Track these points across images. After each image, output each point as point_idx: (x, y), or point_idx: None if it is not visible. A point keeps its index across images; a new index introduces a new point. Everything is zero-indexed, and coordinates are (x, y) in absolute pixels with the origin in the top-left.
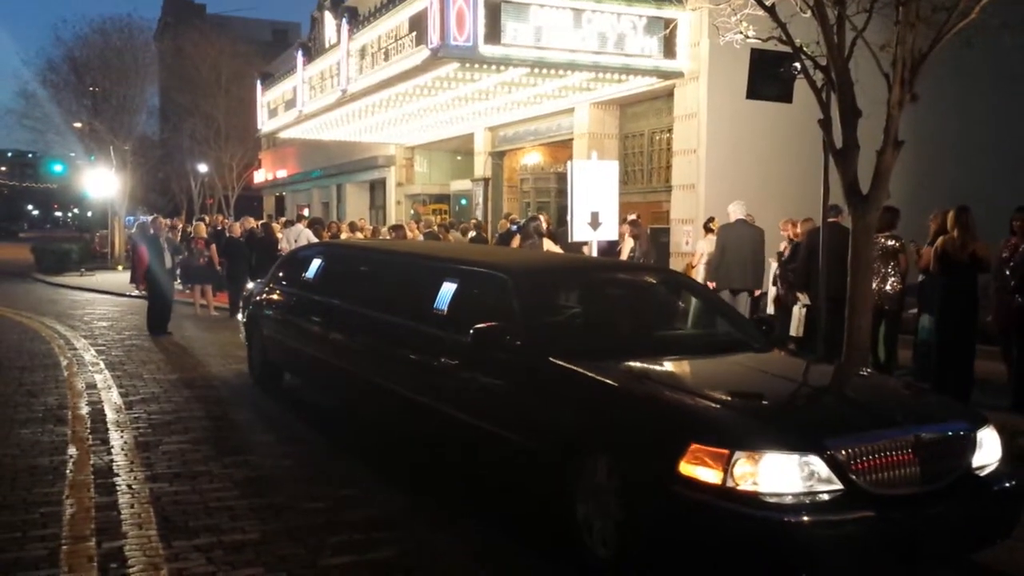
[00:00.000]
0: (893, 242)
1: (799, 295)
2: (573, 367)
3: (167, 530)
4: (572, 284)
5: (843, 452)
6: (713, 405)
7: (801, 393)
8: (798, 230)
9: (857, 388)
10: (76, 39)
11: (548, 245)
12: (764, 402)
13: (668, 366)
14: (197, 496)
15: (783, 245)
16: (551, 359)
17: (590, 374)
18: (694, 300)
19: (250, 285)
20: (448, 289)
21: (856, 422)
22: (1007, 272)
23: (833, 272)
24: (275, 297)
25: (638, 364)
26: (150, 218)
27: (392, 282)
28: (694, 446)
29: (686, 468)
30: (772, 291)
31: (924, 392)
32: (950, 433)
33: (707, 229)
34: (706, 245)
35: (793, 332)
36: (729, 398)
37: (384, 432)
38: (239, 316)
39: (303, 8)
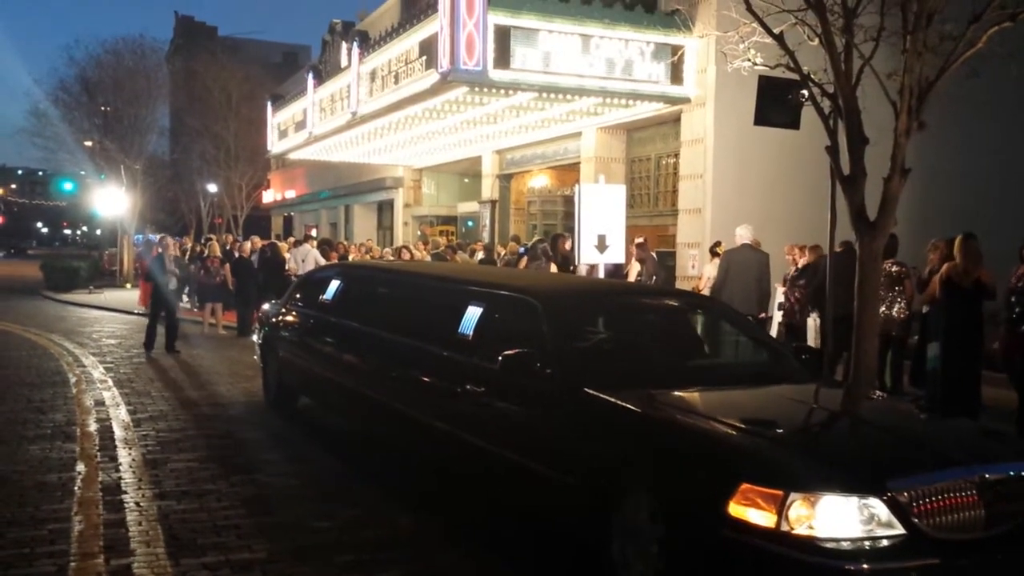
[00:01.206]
0: (898, 268)
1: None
2: (610, 398)
3: (175, 548)
4: (604, 309)
5: (905, 494)
6: (764, 442)
7: (856, 429)
8: (805, 256)
9: (916, 424)
10: (89, 59)
11: (554, 268)
12: (819, 439)
13: (711, 397)
14: (205, 514)
15: (790, 271)
16: (586, 389)
17: (629, 406)
18: (731, 327)
19: (265, 306)
20: (473, 313)
21: (918, 462)
22: (1012, 300)
23: (841, 292)
24: (292, 319)
25: (679, 395)
26: (158, 237)
27: (414, 304)
28: (744, 486)
29: (736, 510)
30: (777, 316)
31: (987, 429)
32: (1016, 473)
33: (713, 253)
34: (712, 269)
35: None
36: (781, 434)
37: (395, 454)
38: (254, 337)
39: (314, 31)
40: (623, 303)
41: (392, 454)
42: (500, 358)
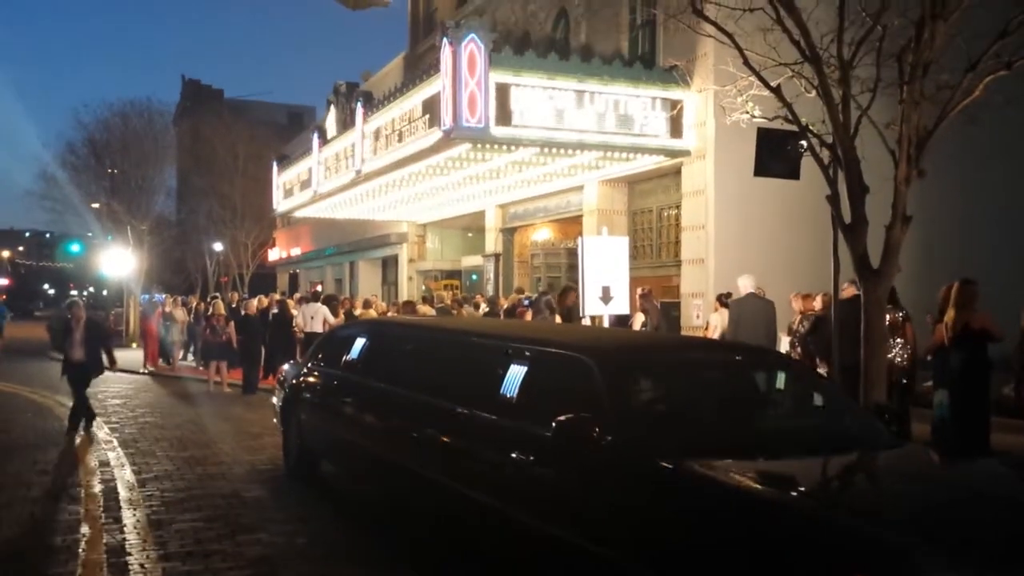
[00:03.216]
0: (898, 314)
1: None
2: (687, 472)
3: None
4: (665, 367)
5: None
6: (874, 522)
7: (976, 504)
8: (815, 304)
9: None
10: (96, 123)
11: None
12: (937, 518)
13: (804, 469)
14: (210, 575)
15: (795, 319)
16: (657, 461)
17: (710, 482)
18: (802, 385)
19: (285, 367)
20: (516, 372)
21: None
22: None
23: (846, 343)
24: (314, 379)
25: (768, 467)
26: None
27: (449, 364)
28: None
29: None
30: None
31: None
32: None
33: (721, 302)
34: (718, 318)
35: None
36: (890, 513)
37: (399, 510)
38: (273, 399)
39: (318, 92)
40: (686, 361)
41: (392, 506)
42: (554, 424)
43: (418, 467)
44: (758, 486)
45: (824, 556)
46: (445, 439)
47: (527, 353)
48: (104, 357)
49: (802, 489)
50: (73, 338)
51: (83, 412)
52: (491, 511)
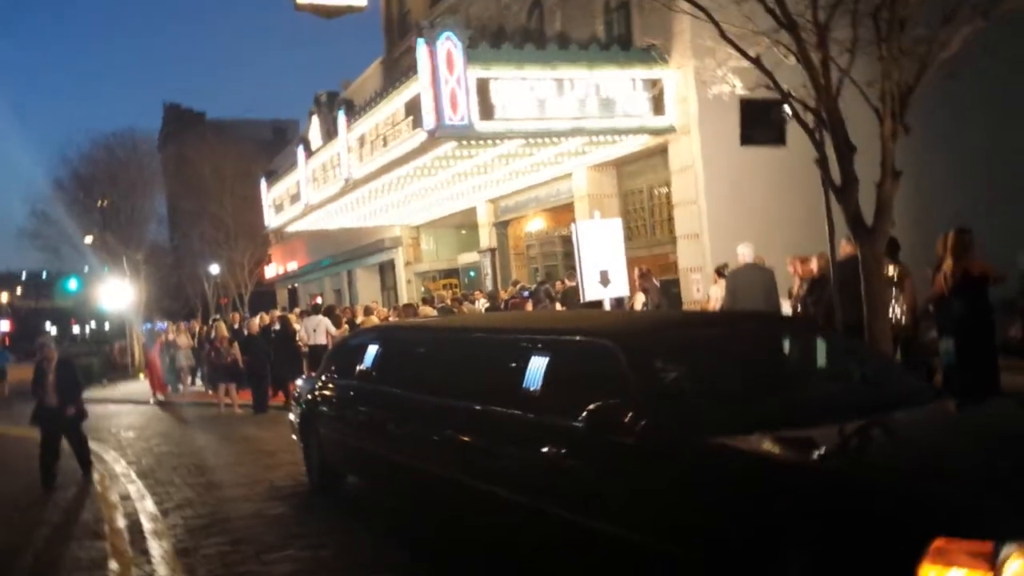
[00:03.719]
0: (896, 269)
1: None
2: (728, 446)
3: None
4: (690, 344)
5: None
6: (944, 483)
7: None
8: (812, 266)
9: None
10: (81, 157)
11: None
12: (1005, 470)
13: (856, 433)
14: None
15: (795, 284)
16: (697, 440)
17: (758, 455)
18: (832, 348)
19: (299, 382)
20: (538, 365)
21: None
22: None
23: (849, 303)
24: (329, 392)
25: (818, 434)
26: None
27: (466, 363)
28: (940, 542)
29: (930, 572)
30: None
31: None
32: None
33: (719, 274)
34: (718, 290)
35: None
36: (964, 469)
37: (426, 516)
38: (290, 416)
39: (300, 104)
40: (711, 335)
41: (411, 512)
42: (584, 414)
43: (443, 471)
44: (814, 457)
45: (897, 526)
46: (469, 440)
47: (548, 344)
48: (76, 406)
49: (859, 455)
50: (47, 381)
51: (86, 450)
52: (525, 509)
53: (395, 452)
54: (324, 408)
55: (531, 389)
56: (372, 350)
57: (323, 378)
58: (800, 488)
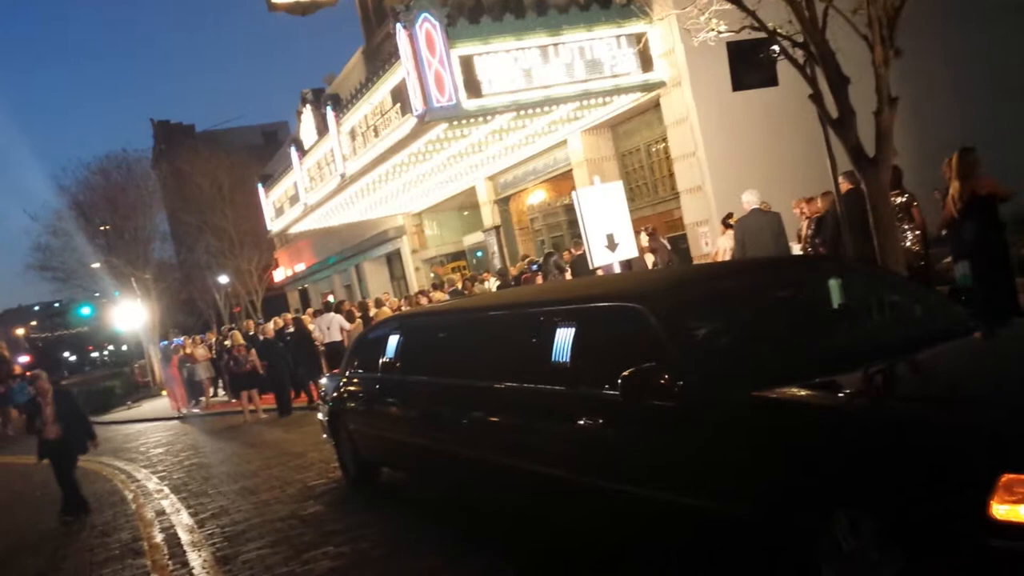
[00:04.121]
0: (902, 198)
1: None
2: (776, 397)
3: None
4: (719, 297)
5: None
6: (1013, 415)
7: None
8: (818, 205)
9: None
10: (78, 184)
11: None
12: None
13: (907, 372)
14: None
15: (803, 225)
16: (735, 394)
17: (808, 403)
18: (869, 284)
19: (323, 380)
20: (565, 336)
21: None
22: None
23: (858, 237)
24: (356, 387)
25: (870, 377)
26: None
27: (491, 342)
28: (1007, 477)
29: (1000, 510)
30: None
31: None
32: None
33: (726, 225)
34: (727, 241)
35: None
36: (1016, 400)
37: (466, 500)
38: (319, 415)
39: (287, 105)
40: (738, 285)
41: (454, 499)
42: (619, 381)
43: (475, 452)
44: (869, 399)
45: (964, 463)
46: (500, 419)
47: (574, 313)
48: (87, 432)
49: (914, 393)
50: (44, 415)
51: (76, 497)
52: (565, 483)
53: (427, 438)
54: (352, 403)
55: (560, 361)
56: (394, 340)
57: (347, 374)
58: (859, 432)
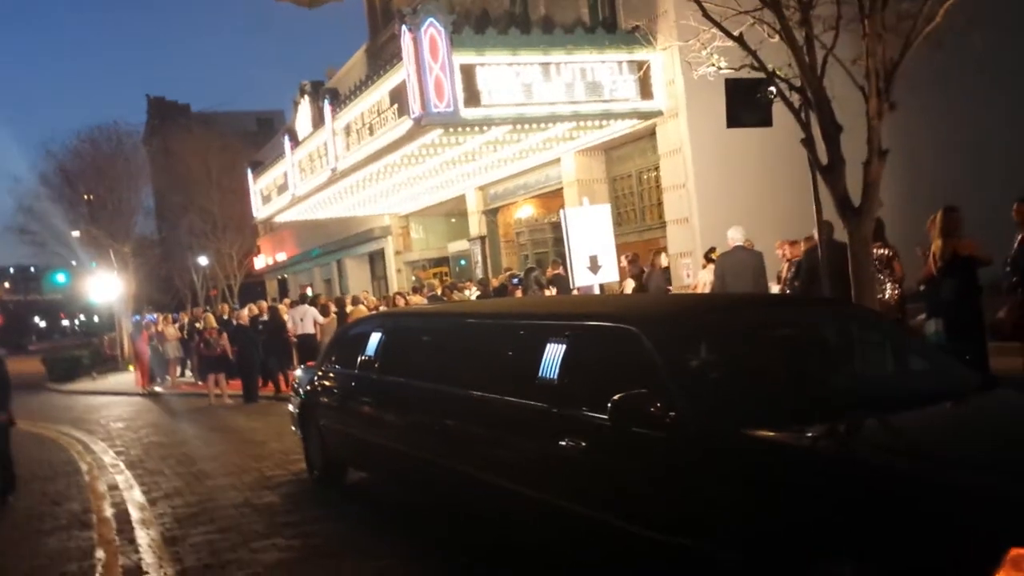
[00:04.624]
0: (886, 251)
1: None
2: (769, 438)
3: None
4: (720, 329)
5: None
6: (1016, 482)
7: None
8: (800, 249)
9: None
10: (66, 151)
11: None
12: None
13: (910, 428)
14: None
15: (783, 267)
16: (727, 431)
17: (803, 448)
18: (873, 331)
19: (298, 372)
20: (554, 352)
21: None
22: (1007, 269)
23: (837, 285)
24: (331, 383)
25: (863, 426)
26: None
27: (479, 351)
28: (1016, 552)
29: None
30: None
31: None
32: None
33: (708, 259)
34: (707, 275)
35: None
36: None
37: (436, 510)
38: (289, 407)
39: (284, 94)
40: (740, 319)
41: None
42: (609, 404)
43: (452, 462)
44: (870, 452)
45: (968, 534)
46: (481, 431)
47: (567, 330)
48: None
49: (919, 451)
50: None
51: (7, 473)
52: (539, 504)
53: (402, 443)
54: (325, 399)
55: (547, 377)
56: (376, 338)
57: (324, 368)
58: (856, 487)
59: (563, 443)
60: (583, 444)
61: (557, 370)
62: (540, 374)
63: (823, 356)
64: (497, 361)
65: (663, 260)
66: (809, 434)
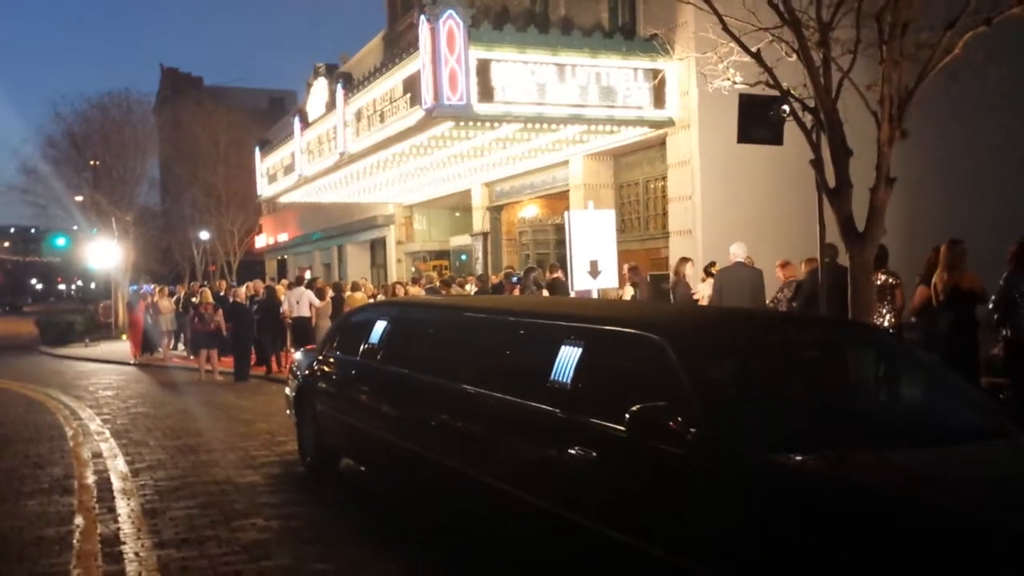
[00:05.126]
0: (888, 278)
1: None
2: (796, 466)
3: None
4: (752, 345)
5: None
6: None
7: None
8: (793, 270)
9: None
10: (75, 115)
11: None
12: None
13: (952, 465)
14: (205, 561)
15: (781, 287)
16: (752, 454)
17: (831, 477)
18: (907, 361)
19: (297, 355)
20: (569, 356)
21: None
22: (991, 306)
23: (835, 309)
24: (331, 368)
25: (905, 462)
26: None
27: (490, 348)
28: None
29: None
30: None
31: None
32: None
33: (708, 273)
34: (706, 289)
35: None
36: None
37: (429, 508)
38: (286, 390)
39: (298, 76)
40: (772, 339)
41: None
42: (627, 416)
43: (451, 461)
44: (907, 489)
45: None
46: (485, 432)
47: (584, 333)
48: None
49: (958, 491)
50: None
51: None
52: (541, 512)
53: (401, 436)
54: (324, 384)
55: (560, 381)
56: (383, 327)
57: (324, 353)
58: (889, 524)
59: (573, 451)
60: (593, 454)
61: (571, 374)
62: (552, 377)
63: (855, 381)
64: (509, 360)
65: (688, 269)
66: (843, 465)
